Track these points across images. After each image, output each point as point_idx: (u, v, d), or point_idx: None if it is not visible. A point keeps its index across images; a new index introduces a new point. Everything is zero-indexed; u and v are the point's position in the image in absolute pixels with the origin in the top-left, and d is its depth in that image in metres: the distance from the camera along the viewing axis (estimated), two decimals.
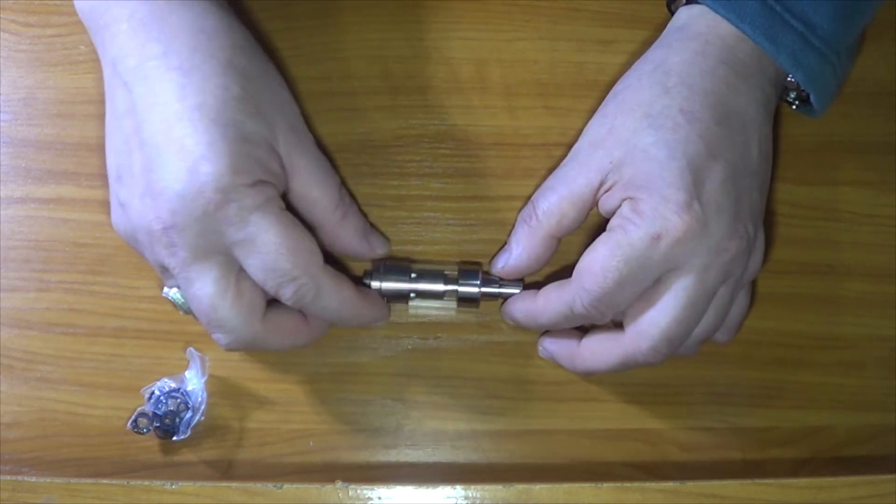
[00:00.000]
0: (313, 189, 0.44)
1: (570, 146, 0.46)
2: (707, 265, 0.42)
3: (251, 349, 0.44)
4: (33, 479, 0.42)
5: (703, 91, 0.43)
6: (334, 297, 0.43)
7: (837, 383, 0.50)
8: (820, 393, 0.50)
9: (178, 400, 0.47)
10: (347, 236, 0.46)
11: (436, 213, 0.51)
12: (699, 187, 0.41)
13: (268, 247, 0.40)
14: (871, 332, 0.51)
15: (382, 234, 0.50)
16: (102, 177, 0.51)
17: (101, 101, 0.42)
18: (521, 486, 0.43)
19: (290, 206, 0.44)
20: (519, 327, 0.49)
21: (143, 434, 0.47)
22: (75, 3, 0.45)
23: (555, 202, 0.45)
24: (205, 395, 0.48)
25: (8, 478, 0.41)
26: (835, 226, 0.52)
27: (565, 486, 0.43)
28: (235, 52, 0.42)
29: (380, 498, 0.43)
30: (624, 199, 0.43)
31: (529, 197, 0.47)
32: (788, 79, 0.47)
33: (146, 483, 0.41)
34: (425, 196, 0.51)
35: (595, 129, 0.45)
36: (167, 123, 0.40)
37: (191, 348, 0.48)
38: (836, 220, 0.52)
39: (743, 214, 0.43)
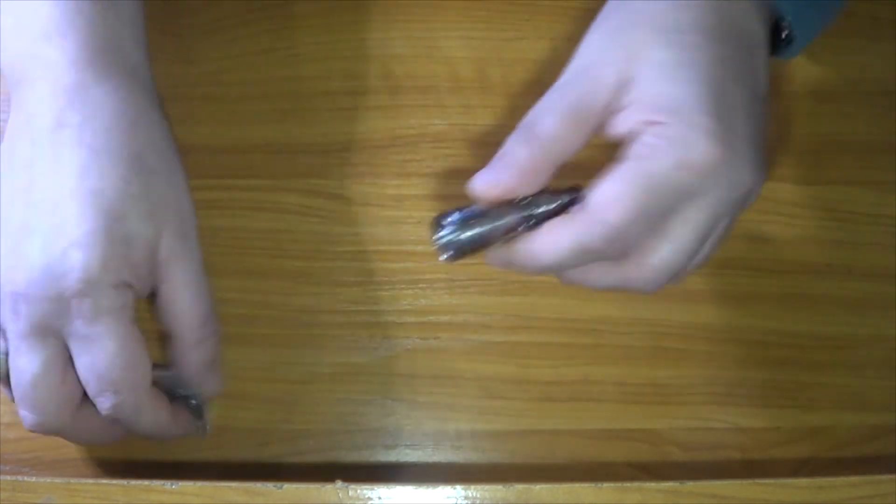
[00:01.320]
0: (181, 302, 0.43)
1: None
2: (723, 198, 0.38)
3: (52, 435, 0.43)
4: (33, 479, 0.41)
5: (715, 6, 0.40)
6: (149, 417, 0.42)
7: (837, 383, 0.50)
8: (820, 393, 0.50)
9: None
10: (193, 362, 0.44)
11: (436, 213, 0.51)
12: (727, 113, 0.38)
13: (104, 353, 0.39)
14: (871, 332, 0.51)
15: (221, 376, 0.46)
16: None
17: None
18: (521, 486, 0.43)
19: (157, 308, 0.43)
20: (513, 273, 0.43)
21: None
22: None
23: (556, 122, 0.39)
24: None
25: (8, 478, 0.41)
26: (835, 226, 0.52)
27: (565, 486, 0.43)
28: (147, 147, 0.42)
29: (380, 498, 0.43)
30: (644, 123, 0.38)
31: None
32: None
33: (146, 483, 0.41)
34: (425, 196, 0.51)
35: (599, 41, 0.41)
36: (59, 197, 0.39)
37: None
38: (836, 220, 0.52)
39: (762, 145, 0.40)
